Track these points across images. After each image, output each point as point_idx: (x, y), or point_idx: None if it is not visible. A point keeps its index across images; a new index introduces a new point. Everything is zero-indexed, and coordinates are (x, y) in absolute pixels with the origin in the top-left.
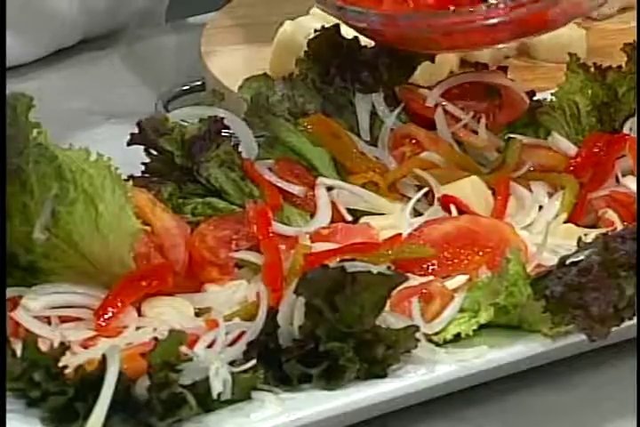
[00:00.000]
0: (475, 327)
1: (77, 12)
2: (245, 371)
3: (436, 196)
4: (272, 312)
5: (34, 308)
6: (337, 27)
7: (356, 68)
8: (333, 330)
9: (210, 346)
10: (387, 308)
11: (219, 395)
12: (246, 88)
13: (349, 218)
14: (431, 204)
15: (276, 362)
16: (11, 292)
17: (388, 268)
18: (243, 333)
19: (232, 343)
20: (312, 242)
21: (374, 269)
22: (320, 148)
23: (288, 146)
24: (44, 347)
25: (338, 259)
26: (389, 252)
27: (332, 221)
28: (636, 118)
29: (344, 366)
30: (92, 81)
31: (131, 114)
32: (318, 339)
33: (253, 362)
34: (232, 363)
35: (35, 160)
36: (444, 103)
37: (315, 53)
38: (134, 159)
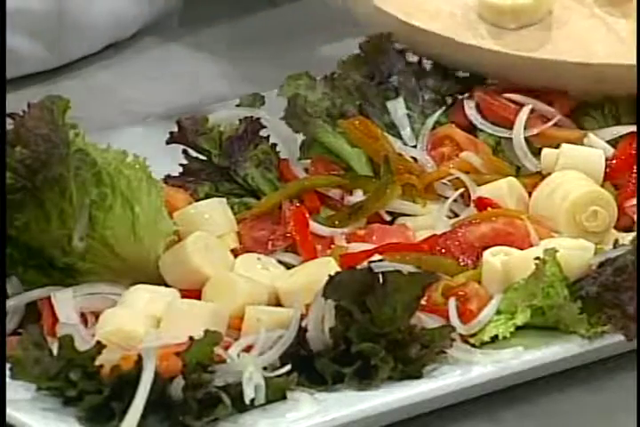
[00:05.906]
0: (512, 329)
1: (106, 15)
2: (279, 375)
3: (472, 197)
4: (304, 316)
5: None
6: (389, 34)
7: (402, 76)
8: (365, 331)
9: (245, 349)
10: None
11: (252, 401)
12: (287, 86)
13: (388, 218)
14: (468, 205)
15: (309, 364)
16: (47, 291)
17: (419, 267)
18: (276, 337)
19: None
20: (348, 243)
21: (404, 269)
22: (357, 149)
23: (325, 147)
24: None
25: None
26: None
27: (369, 222)
28: None
29: (376, 365)
30: (127, 81)
31: (167, 114)
32: (349, 341)
33: (288, 368)
34: (265, 367)
35: (76, 167)
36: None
37: (363, 56)
38: (172, 159)
